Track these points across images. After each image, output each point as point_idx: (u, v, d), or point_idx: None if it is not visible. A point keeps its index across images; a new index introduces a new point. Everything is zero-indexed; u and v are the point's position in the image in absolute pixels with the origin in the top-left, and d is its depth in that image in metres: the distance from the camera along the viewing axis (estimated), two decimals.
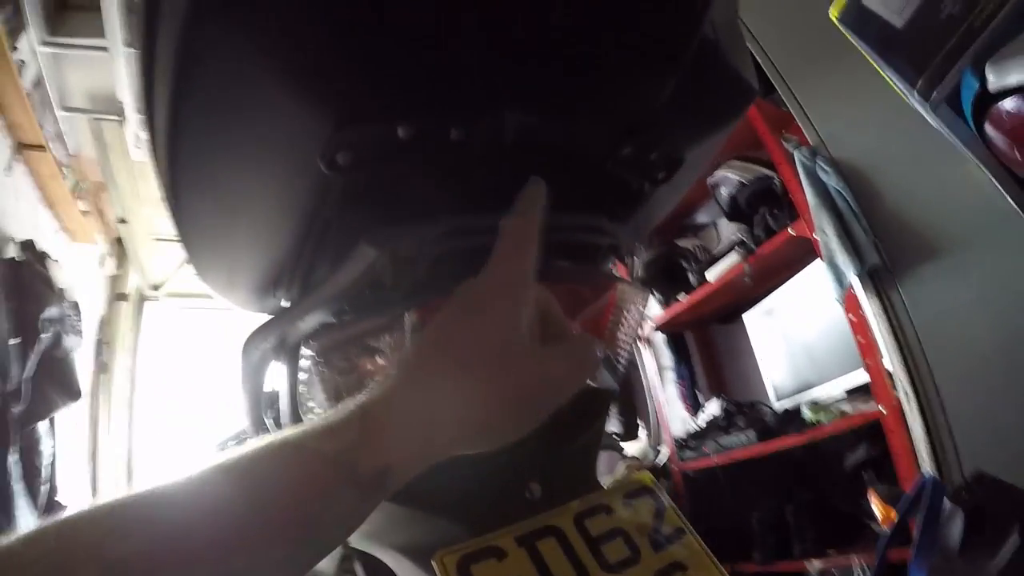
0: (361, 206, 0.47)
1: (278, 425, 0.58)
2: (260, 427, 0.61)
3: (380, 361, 0.56)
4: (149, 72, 0.43)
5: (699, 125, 0.63)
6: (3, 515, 2.44)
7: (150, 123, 0.47)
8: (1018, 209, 1.01)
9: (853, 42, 1.13)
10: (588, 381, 0.50)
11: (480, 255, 0.45)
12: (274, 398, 0.64)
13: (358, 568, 0.56)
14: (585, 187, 0.57)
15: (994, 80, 0.81)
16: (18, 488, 2.56)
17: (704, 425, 2.83)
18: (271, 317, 0.59)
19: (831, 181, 1.94)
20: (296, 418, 0.56)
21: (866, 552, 1.89)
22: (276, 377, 0.62)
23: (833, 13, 1.17)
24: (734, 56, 0.64)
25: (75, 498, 3.11)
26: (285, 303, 0.60)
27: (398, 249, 0.47)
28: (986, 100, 0.86)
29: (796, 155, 2.04)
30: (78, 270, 3.65)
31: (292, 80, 0.39)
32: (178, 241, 0.56)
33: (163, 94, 0.42)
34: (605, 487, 0.60)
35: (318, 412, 0.55)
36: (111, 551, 0.29)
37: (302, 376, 0.58)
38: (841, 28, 1.16)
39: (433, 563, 0.46)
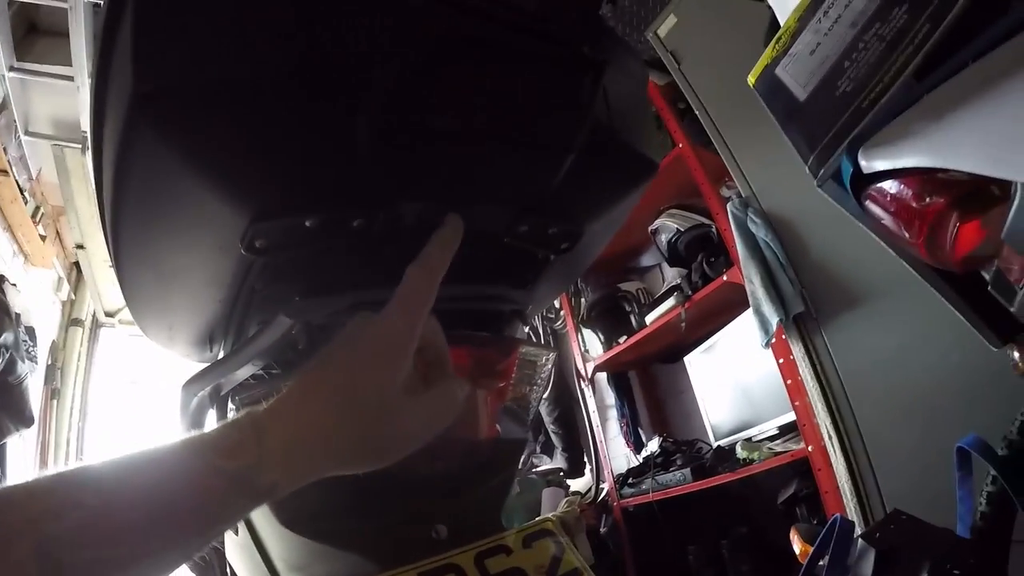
0: (280, 281, 0.54)
1: None
2: None
3: None
4: (98, 161, 0.50)
5: (597, 200, 0.69)
6: None
7: (99, 201, 0.54)
8: (916, 275, 1.09)
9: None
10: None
11: None
12: None
13: None
14: (486, 260, 0.64)
15: (865, 165, 0.89)
16: None
17: (643, 462, 2.87)
18: (207, 365, 0.66)
19: (760, 232, 2.01)
20: None
21: None
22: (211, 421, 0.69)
23: (751, 79, 1.24)
24: (633, 134, 0.69)
25: None
26: (221, 355, 0.67)
27: (311, 319, 0.54)
28: (863, 180, 0.94)
29: (728, 205, 2.11)
30: (34, 294, 3.62)
31: (214, 184, 0.48)
32: (124, 301, 0.63)
33: (108, 182, 0.50)
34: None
35: None
36: (46, 527, 0.34)
37: None
38: (757, 94, 1.23)
39: None
